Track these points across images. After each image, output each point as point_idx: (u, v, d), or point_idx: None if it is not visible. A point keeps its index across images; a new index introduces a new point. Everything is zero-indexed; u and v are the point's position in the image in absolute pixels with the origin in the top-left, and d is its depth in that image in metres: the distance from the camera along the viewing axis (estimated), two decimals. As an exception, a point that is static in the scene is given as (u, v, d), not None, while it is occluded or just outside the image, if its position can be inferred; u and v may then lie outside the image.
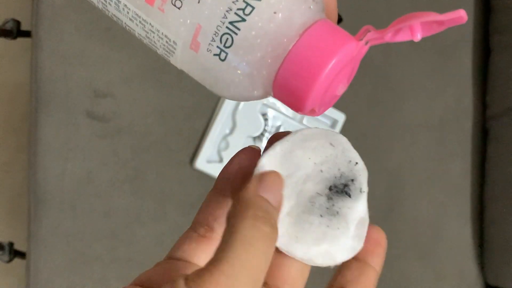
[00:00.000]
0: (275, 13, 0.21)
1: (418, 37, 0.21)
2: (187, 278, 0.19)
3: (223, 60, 0.22)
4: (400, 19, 0.21)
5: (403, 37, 0.22)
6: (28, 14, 0.69)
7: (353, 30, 0.70)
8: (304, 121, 0.74)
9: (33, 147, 0.68)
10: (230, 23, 0.22)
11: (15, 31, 0.78)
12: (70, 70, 0.69)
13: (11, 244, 0.81)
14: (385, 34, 0.22)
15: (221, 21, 0.22)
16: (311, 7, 0.22)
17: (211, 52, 0.22)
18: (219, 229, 0.26)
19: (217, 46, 0.22)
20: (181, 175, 0.72)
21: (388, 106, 0.78)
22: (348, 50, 0.22)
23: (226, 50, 0.22)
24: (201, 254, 0.26)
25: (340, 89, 0.24)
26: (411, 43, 0.86)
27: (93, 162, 0.70)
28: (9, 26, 0.78)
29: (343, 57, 0.22)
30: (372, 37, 0.22)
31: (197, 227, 0.26)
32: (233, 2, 0.22)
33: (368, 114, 0.77)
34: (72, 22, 0.68)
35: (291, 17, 0.22)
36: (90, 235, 0.70)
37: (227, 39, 0.22)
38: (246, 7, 0.22)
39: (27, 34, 0.77)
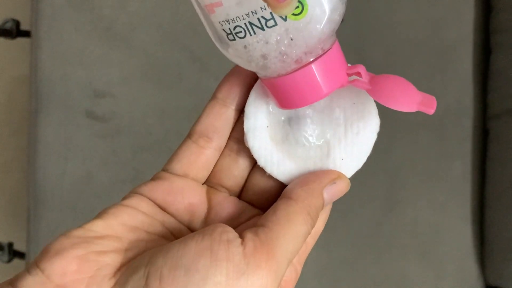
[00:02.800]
0: (291, 39, 0.22)
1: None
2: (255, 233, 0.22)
3: (230, 40, 0.23)
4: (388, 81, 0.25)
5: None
6: (28, 14, 0.69)
7: (353, 30, 0.70)
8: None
9: (32, 147, 0.68)
10: (250, 23, 0.22)
11: (15, 31, 0.78)
12: (70, 70, 0.69)
13: (10, 245, 0.81)
14: (367, 85, 0.25)
15: (242, 16, 0.22)
16: (321, 38, 0.23)
17: (221, 26, 0.23)
18: (218, 140, 0.27)
19: (229, 28, 0.23)
20: (181, 175, 0.72)
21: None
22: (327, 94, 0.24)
23: (236, 37, 0.23)
24: (198, 167, 0.27)
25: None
26: (411, 42, 0.86)
27: (93, 162, 0.70)
28: (8, 26, 0.78)
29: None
30: (357, 84, 0.25)
31: (196, 137, 0.27)
32: (261, 7, 0.22)
33: (368, 114, 0.77)
34: (71, 22, 0.68)
35: (303, 45, 0.23)
36: (90, 235, 0.70)
37: (241, 31, 0.22)
38: (270, 19, 0.22)
39: (26, 34, 0.77)
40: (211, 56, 0.72)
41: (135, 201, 0.26)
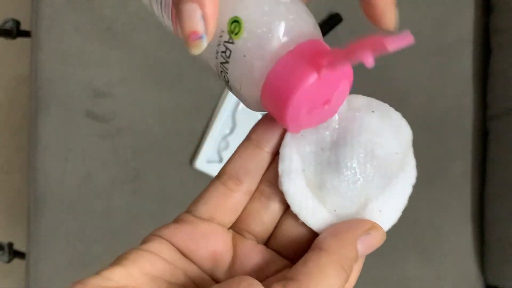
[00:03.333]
0: (244, 56, 0.23)
1: (370, 63, 0.23)
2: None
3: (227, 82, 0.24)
4: (354, 46, 0.24)
5: (355, 61, 0.24)
6: (28, 14, 0.69)
7: (353, 30, 0.71)
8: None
9: (32, 147, 0.68)
10: (221, 64, 0.23)
11: (15, 31, 0.78)
12: (70, 70, 0.69)
13: (10, 245, 0.81)
14: (339, 60, 0.24)
15: (216, 62, 0.24)
16: (282, 38, 0.23)
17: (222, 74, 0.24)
18: (248, 183, 0.25)
19: (224, 76, 0.24)
20: (181, 175, 0.72)
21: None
22: (306, 86, 0.22)
23: (228, 82, 0.24)
24: (225, 211, 0.25)
25: (335, 101, 0.25)
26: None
27: (93, 162, 0.70)
28: (8, 26, 0.78)
29: (302, 93, 0.22)
30: (328, 63, 0.23)
31: (225, 179, 0.25)
32: (217, 45, 0.23)
33: (368, 114, 0.77)
34: (72, 22, 0.68)
35: (260, 55, 0.22)
36: (90, 235, 0.70)
37: (224, 76, 0.24)
38: (226, 50, 0.23)
39: (26, 34, 0.77)
40: (211, 56, 0.72)
41: (156, 245, 0.24)
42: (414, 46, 0.82)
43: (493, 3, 0.80)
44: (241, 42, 0.23)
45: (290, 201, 0.24)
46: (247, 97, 0.24)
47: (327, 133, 0.24)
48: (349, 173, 0.24)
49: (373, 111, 0.25)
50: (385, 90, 0.78)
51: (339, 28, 0.75)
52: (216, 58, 0.23)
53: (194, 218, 0.26)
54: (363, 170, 0.24)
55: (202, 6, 0.21)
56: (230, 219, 0.26)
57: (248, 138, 0.25)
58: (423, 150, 0.80)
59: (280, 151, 0.25)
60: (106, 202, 0.70)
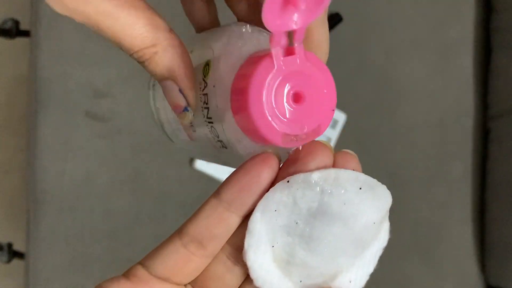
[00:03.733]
0: (213, 86, 0.23)
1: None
2: None
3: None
4: None
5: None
6: (27, 14, 0.69)
7: (353, 30, 0.70)
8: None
9: (32, 147, 0.68)
10: (207, 118, 0.24)
11: (14, 31, 0.78)
12: (69, 69, 0.68)
13: (10, 245, 0.81)
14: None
15: (206, 123, 0.24)
16: (241, 55, 0.22)
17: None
18: (212, 248, 0.23)
19: (213, 131, 0.24)
20: (181, 175, 0.72)
21: (389, 106, 0.78)
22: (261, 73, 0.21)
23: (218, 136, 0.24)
24: (184, 275, 0.23)
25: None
26: (411, 42, 0.86)
27: (93, 162, 0.70)
28: (8, 25, 0.77)
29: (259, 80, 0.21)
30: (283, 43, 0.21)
31: (187, 240, 0.23)
32: (201, 102, 0.24)
33: (368, 114, 0.77)
34: (71, 22, 0.68)
35: (225, 75, 0.23)
36: (90, 235, 0.70)
37: (212, 129, 0.24)
38: (204, 95, 0.23)
39: (26, 33, 0.77)
40: (211, 56, 0.72)
41: None
42: (414, 46, 0.83)
43: (494, 3, 0.80)
44: (210, 78, 0.23)
45: (254, 276, 0.23)
46: (231, 130, 0.23)
47: (305, 206, 0.22)
48: (322, 247, 0.23)
49: (360, 188, 0.23)
50: (385, 90, 0.78)
51: (339, 28, 0.75)
52: (203, 117, 0.23)
53: (149, 276, 0.23)
54: (338, 243, 0.23)
55: (176, 82, 0.22)
56: (189, 280, 0.24)
57: (218, 196, 0.22)
58: (423, 150, 0.80)
59: (249, 224, 0.23)
60: (105, 202, 0.70)
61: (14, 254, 0.81)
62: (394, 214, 0.90)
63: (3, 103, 1.10)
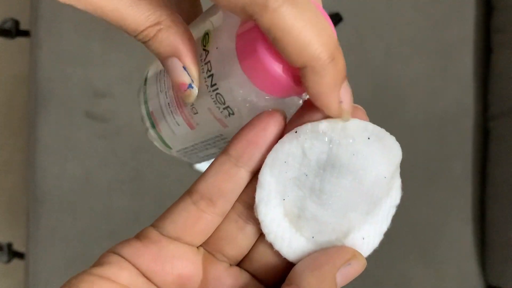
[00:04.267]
0: (217, 48, 0.23)
1: None
2: None
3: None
4: None
5: None
6: (27, 14, 0.69)
7: (353, 30, 0.70)
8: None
9: (32, 147, 0.68)
10: (212, 85, 0.23)
11: (14, 31, 0.78)
12: (69, 70, 0.68)
13: (9, 245, 0.81)
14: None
15: (209, 91, 0.24)
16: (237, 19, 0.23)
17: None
18: (223, 205, 0.23)
19: (219, 98, 0.24)
20: (181, 175, 0.72)
21: (389, 106, 0.78)
22: None
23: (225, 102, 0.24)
24: (195, 233, 0.23)
25: None
26: (411, 42, 0.86)
27: (92, 162, 0.70)
28: (8, 25, 0.77)
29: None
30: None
31: (197, 198, 0.23)
32: (203, 73, 0.23)
33: (368, 114, 0.77)
34: (71, 22, 0.68)
35: (228, 36, 0.23)
36: (89, 235, 0.70)
37: (218, 97, 0.24)
38: (206, 64, 0.23)
39: (26, 33, 0.77)
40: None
41: (114, 269, 0.22)
42: (414, 46, 0.82)
43: (494, 3, 0.80)
44: (211, 44, 0.23)
45: (265, 230, 0.23)
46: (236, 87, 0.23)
47: (314, 157, 0.22)
48: (333, 201, 0.22)
49: (368, 138, 0.23)
50: (385, 90, 0.78)
51: (339, 28, 0.75)
52: (207, 88, 0.23)
53: (160, 236, 0.23)
54: (349, 197, 0.23)
55: (180, 58, 0.22)
56: (201, 240, 0.24)
57: (226, 152, 0.23)
58: (424, 150, 0.80)
59: (259, 176, 0.22)
60: (105, 202, 0.70)
61: (14, 254, 0.81)
62: (395, 214, 0.90)
63: (3, 103, 1.10)
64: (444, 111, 0.81)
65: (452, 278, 0.81)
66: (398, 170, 0.25)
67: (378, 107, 0.78)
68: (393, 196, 0.25)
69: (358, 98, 0.85)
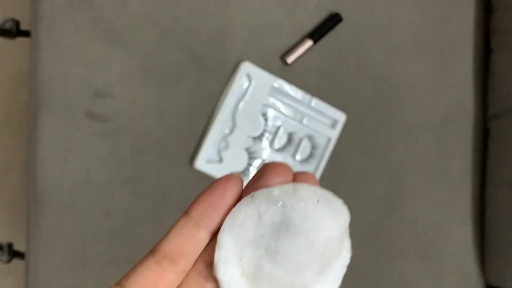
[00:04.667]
0: None
1: None
2: None
3: None
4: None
5: None
6: (28, 14, 0.69)
7: (353, 30, 0.70)
8: (304, 121, 0.74)
9: (32, 147, 0.68)
10: None
11: (14, 31, 0.78)
12: (70, 70, 0.69)
13: (10, 245, 0.81)
14: None
15: None
16: None
17: None
18: (184, 264, 0.24)
19: None
20: (181, 175, 0.72)
21: (389, 106, 0.78)
22: None
23: None
24: None
25: None
26: (411, 42, 0.86)
27: (93, 162, 0.70)
28: (8, 25, 0.78)
29: None
30: None
31: (159, 257, 0.24)
32: None
33: (368, 114, 0.77)
34: (71, 22, 0.68)
35: None
36: (90, 235, 0.70)
37: None
38: None
39: (26, 33, 0.77)
40: (211, 56, 0.72)
41: None
42: (414, 46, 0.83)
43: (493, 3, 0.80)
44: None
45: None
46: None
47: (269, 220, 0.24)
48: (287, 260, 0.24)
49: (317, 201, 0.24)
50: (385, 89, 0.78)
51: (339, 28, 0.75)
52: None
53: None
54: (302, 257, 0.24)
55: None
56: None
57: (187, 214, 0.24)
58: (423, 149, 0.80)
59: (218, 237, 0.24)
60: (105, 202, 0.70)
61: (14, 254, 0.81)
62: (394, 213, 0.90)
63: (3, 103, 1.10)
64: (444, 111, 0.81)
65: (451, 278, 0.81)
66: (347, 232, 0.26)
67: (378, 107, 0.78)
68: (344, 256, 0.26)
69: (358, 98, 0.86)
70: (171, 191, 0.72)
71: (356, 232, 0.77)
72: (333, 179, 0.76)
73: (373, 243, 0.78)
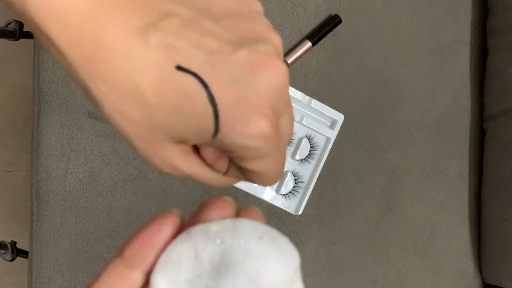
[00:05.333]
0: None
1: None
2: None
3: None
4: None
5: None
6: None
7: (352, 31, 0.71)
8: (304, 122, 0.74)
9: (35, 147, 0.69)
10: None
11: (18, 32, 0.78)
12: (72, 71, 0.69)
13: (14, 243, 0.82)
14: None
15: None
16: None
17: None
18: None
19: None
20: (182, 174, 0.72)
21: (387, 107, 0.78)
22: None
23: None
24: None
25: None
26: (409, 43, 0.87)
27: (95, 162, 0.70)
28: (11, 27, 0.78)
29: None
30: None
31: None
32: None
33: (366, 114, 0.78)
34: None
35: None
36: (92, 234, 0.70)
37: None
38: None
39: (29, 35, 0.78)
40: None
41: None
42: (412, 47, 0.83)
43: (490, 5, 0.80)
44: None
45: None
46: None
47: (207, 258, 0.21)
48: None
49: (260, 238, 0.22)
50: (383, 90, 0.79)
51: (338, 29, 0.76)
52: None
53: None
54: None
55: None
56: None
57: (120, 253, 0.22)
58: (421, 149, 0.80)
59: (151, 278, 0.22)
60: (108, 201, 0.71)
61: (18, 252, 0.81)
62: (392, 212, 0.91)
63: (7, 103, 1.10)
64: (441, 111, 0.81)
65: (448, 276, 0.82)
66: (299, 275, 0.23)
67: (376, 108, 0.78)
68: None
69: (356, 98, 0.87)
70: (173, 190, 0.72)
71: (354, 230, 0.78)
72: (332, 179, 0.76)
73: (371, 242, 0.78)
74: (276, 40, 0.25)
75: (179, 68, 0.22)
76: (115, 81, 0.22)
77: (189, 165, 0.26)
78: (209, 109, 0.23)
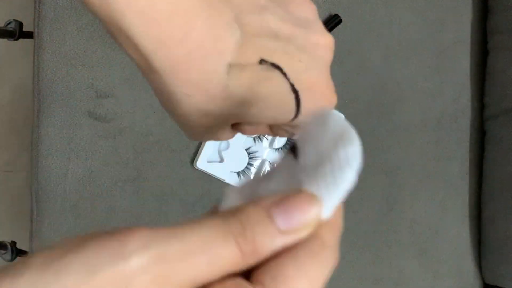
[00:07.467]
0: None
1: None
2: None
3: None
4: None
5: None
6: (31, 15, 0.70)
7: (352, 31, 0.71)
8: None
9: (35, 147, 0.69)
10: None
11: (18, 32, 0.78)
12: (72, 71, 0.69)
13: (13, 243, 0.82)
14: None
15: None
16: None
17: None
18: None
19: None
20: (182, 174, 0.72)
21: (387, 107, 0.78)
22: None
23: None
24: None
25: None
26: (409, 43, 0.87)
27: (95, 162, 0.70)
28: (11, 27, 0.78)
29: None
30: None
31: None
32: None
33: (366, 114, 0.78)
34: (74, 23, 0.69)
35: None
36: (92, 234, 0.70)
37: None
38: None
39: (29, 35, 0.78)
40: (211, 57, 0.72)
41: None
42: (412, 47, 0.83)
43: (491, 5, 0.80)
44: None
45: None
46: None
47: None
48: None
49: None
50: (383, 90, 0.79)
51: (338, 29, 0.76)
52: None
53: None
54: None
55: None
56: None
57: None
58: (421, 149, 0.80)
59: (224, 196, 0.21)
60: (108, 202, 0.71)
61: (17, 252, 0.81)
62: (392, 213, 0.91)
63: (7, 103, 1.11)
64: (442, 111, 0.81)
65: (449, 276, 0.82)
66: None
67: (376, 108, 0.78)
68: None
69: (356, 98, 0.87)
70: (173, 190, 0.72)
71: (355, 230, 0.78)
72: (332, 179, 0.76)
73: (372, 242, 0.78)
74: (315, 11, 0.26)
75: (262, 61, 0.23)
76: (204, 83, 0.22)
77: (227, 136, 0.28)
78: (291, 96, 0.24)
